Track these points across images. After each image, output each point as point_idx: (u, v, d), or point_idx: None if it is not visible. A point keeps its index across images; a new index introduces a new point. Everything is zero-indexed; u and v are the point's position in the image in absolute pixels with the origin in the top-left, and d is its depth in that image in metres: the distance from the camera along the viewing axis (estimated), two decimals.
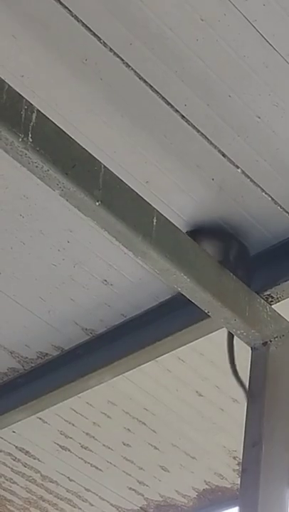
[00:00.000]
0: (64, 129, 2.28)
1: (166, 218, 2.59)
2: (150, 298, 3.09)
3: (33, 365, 3.38)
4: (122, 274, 3.01)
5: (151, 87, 2.40)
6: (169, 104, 2.45)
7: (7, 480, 3.92)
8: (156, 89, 2.41)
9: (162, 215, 2.58)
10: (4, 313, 3.17)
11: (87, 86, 2.41)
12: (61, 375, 3.32)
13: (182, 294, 2.71)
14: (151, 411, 3.54)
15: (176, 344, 3.10)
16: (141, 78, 2.38)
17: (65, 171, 2.22)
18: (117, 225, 2.40)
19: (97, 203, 2.33)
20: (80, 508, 4.06)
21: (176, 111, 2.47)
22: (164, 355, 3.18)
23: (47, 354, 3.33)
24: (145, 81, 2.39)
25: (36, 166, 2.19)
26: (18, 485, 3.94)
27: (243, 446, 2.61)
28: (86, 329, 3.23)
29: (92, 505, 4.04)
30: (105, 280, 3.03)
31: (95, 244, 2.91)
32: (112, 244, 2.87)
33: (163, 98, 2.43)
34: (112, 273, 3.00)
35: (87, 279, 3.03)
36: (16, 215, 2.80)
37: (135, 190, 2.52)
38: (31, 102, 2.22)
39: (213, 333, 3.02)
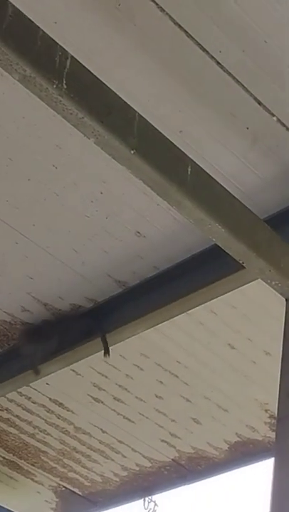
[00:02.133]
0: (98, 76, 2.26)
1: (201, 168, 2.57)
2: (183, 250, 3.08)
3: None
4: (155, 226, 3.00)
5: (186, 32, 2.36)
6: (204, 50, 2.41)
7: (41, 431, 3.97)
8: (191, 34, 2.37)
9: (197, 164, 2.56)
10: (38, 266, 3.18)
11: (121, 32, 2.38)
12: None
13: (215, 247, 2.69)
14: (184, 363, 3.55)
15: (208, 297, 3.10)
16: (176, 23, 2.34)
17: (100, 119, 2.20)
18: (152, 173, 2.38)
19: (132, 152, 2.30)
20: (113, 460, 4.12)
21: (211, 57, 2.42)
22: (197, 308, 3.18)
23: (80, 306, 3.35)
24: (180, 26, 2.35)
25: (71, 113, 2.16)
26: (51, 436, 4.00)
27: (279, 397, 2.61)
28: (119, 281, 3.23)
29: (125, 456, 4.10)
30: (138, 232, 3.03)
31: (128, 196, 2.90)
32: (145, 196, 2.86)
33: (198, 44, 2.39)
34: (144, 225, 2.99)
35: (120, 230, 3.03)
36: (49, 166, 2.78)
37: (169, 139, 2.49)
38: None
39: (246, 286, 3.01)
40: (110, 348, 3.37)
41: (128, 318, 3.25)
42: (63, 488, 4.35)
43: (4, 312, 3.40)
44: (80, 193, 2.89)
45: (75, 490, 4.34)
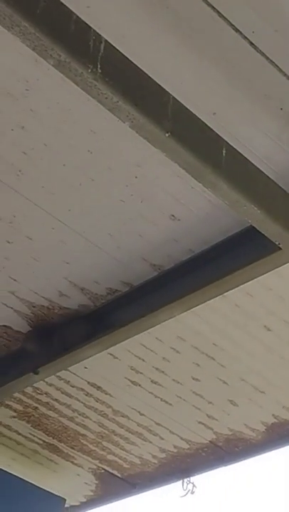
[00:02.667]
0: (131, 60, 2.27)
1: (236, 149, 2.57)
2: (218, 232, 3.08)
3: (103, 301, 3.42)
4: (190, 209, 3.00)
5: (218, 13, 2.35)
6: (237, 31, 2.40)
7: (80, 415, 4.02)
8: (224, 15, 2.36)
9: (231, 146, 2.56)
10: (74, 251, 3.21)
11: (153, 15, 2.37)
12: (130, 311, 3.37)
13: (250, 229, 2.69)
14: (220, 346, 3.57)
15: (244, 279, 3.10)
16: (208, 4, 2.33)
17: (135, 102, 2.21)
18: (187, 156, 2.39)
19: (167, 135, 2.31)
20: (151, 442, 4.15)
21: (244, 38, 2.41)
22: (232, 290, 3.18)
23: (116, 290, 3.37)
24: (213, 7, 2.34)
25: (106, 98, 2.18)
26: (90, 419, 4.04)
27: None
28: (154, 265, 3.25)
29: (163, 438, 4.13)
30: (173, 215, 3.03)
31: (162, 179, 2.90)
32: (180, 179, 2.86)
33: (231, 25, 2.38)
34: (179, 208, 3.00)
35: (155, 214, 3.04)
36: (84, 151, 2.80)
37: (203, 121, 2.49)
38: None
39: (282, 267, 3.00)
40: (148, 331, 3.40)
41: (164, 302, 3.26)
42: (102, 471, 4.40)
43: (42, 297, 3.43)
44: (114, 177, 2.90)
45: (114, 472, 4.40)
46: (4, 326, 3.58)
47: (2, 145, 2.80)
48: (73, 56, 2.08)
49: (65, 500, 4.30)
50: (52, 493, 4.24)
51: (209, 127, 2.49)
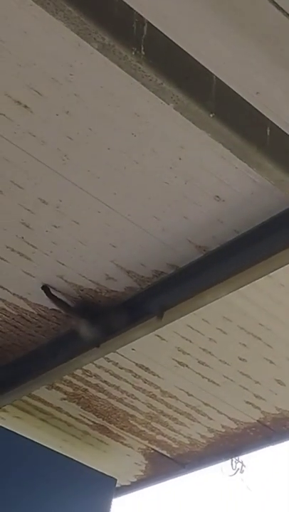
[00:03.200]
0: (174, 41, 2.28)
1: (280, 128, 2.56)
2: (263, 212, 3.08)
3: (149, 283, 3.45)
4: (234, 190, 3.01)
5: None
6: (279, 8, 2.38)
7: (129, 396, 4.07)
8: None
9: (275, 125, 2.55)
10: (120, 234, 3.24)
11: None
12: (176, 292, 3.39)
13: None
14: (266, 326, 3.57)
15: None
16: None
17: (179, 83, 2.22)
18: (231, 136, 2.40)
19: (211, 115, 2.32)
20: (199, 422, 4.18)
21: (287, 15, 2.40)
22: (278, 270, 3.17)
23: (162, 272, 3.40)
24: None
25: (150, 80, 2.19)
26: (139, 400, 4.09)
27: None
28: (199, 246, 3.27)
29: (211, 418, 4.16)
30: (217, 196, 3.04)
31: (206, 160, 2.91)
32: (223, 160, 2.87)
33: (273, 2, 2.37)
34: (223, 189, 3.00)
35: (199, 195, 3.05)
36: (128, 134, 2.82)
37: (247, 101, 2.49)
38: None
39: None
40: (194, 312, 3.43)
41: (210, 283, 3.27)
42: (152, 451, 4.45)
43: (90, 281, 3.48)
44: (158, 159, 2.92)
45: (164, 452, 4.44)
46: (53, 309, 3.64)
47: (48, 130, 2.84)
48: (117, 39, 2.10)
49: (116, 480, 4.36)
50: (103, 474, 4.30)
51: (253, 107, 2.49)
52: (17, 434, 4.07)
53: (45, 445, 4.15)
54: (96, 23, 2.07)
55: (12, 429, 4.08)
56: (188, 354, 3.77)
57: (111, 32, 2.10)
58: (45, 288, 3.49)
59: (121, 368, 3.89)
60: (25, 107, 2.75)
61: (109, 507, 4.28)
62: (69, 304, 3.53)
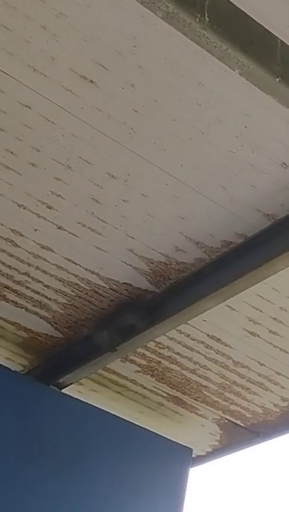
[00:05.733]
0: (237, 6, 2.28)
1: None
2: None
3: (218, 254, 3.46)
4: None
5: None
6: None
7: (201, 367, 4.10)
8: None
9: None
10: (188, 205, 3.26)
11: None
12: (246, 262, 3.39)
13: None
14: None
15: None
16: None
17: (244, 49, 2.23)
18: None
19: (278, 79, 2.32)
20: (272, 391, 4.19)
21: None
22: None
23: (231, 242, 3.41)
24: None
25: (215, 46, 2.21)
26: (212, 371, 4.12)
27: None
28: (268, 215, 3.26)
29: (284, 387, 4.16)
30: (284, 163, 3.03)
31: (272, 127, 2.90)
32: None
33: None
34: None
35: (266, 163, 3.04)
36: (193, 105, 2.83)
37: None
38: None
39: None
40: (264, 281, 3.43)
41: (279, 251, 3.26)
42: (226, 421, 4.49)
43: (159, 253, 3.51)
44: (224, 129, 2.92)
45: (238, 422, 4.47)
46: (125, 283, 3.69)
47: (113, 104, 2.87)
48: (181, 6, 2.12)
49: (192, 450, 4.42)
50: (180, 444, 4.36)
51: None
52: (94, 406, 4.16)
53: (121, 417, 4.23)
54: None
55: (89, 402, 4.17)
56: (259, 324, 3.78)
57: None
58: None
59: (193, 340, 3.93)
60: (91, 81, 2.79)
61: (187, 476, 4.34)
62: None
